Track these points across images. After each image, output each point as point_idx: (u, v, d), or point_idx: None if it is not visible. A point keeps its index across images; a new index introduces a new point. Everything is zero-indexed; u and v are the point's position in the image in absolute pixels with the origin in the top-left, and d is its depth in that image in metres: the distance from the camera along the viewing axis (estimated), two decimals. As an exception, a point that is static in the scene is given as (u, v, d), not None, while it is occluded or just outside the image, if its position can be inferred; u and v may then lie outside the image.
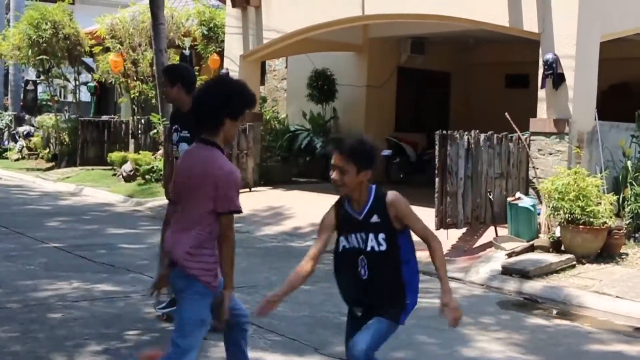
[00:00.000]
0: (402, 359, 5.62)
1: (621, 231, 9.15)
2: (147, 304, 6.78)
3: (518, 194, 9.90)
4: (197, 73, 10.66)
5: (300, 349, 5.63)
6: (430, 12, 11.69)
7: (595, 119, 10.32)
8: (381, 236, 3.81)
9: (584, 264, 8.72)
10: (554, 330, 6.64)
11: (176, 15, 19.20)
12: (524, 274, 8.21)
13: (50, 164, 20.85)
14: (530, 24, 10.38)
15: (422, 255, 9.43)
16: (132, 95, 19.17)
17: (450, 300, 3.82)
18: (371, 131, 16.13)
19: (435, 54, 16.85)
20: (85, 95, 24.91)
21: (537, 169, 10.18)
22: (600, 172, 9.77)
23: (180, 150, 6.41)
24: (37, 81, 26.68)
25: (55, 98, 23.67)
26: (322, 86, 16.41)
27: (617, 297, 7.52)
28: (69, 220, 12.05)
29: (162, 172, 15.26)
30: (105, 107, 23.61)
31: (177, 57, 18.28)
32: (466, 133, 9.77)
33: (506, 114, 10.14)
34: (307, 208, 11.23)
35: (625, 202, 9.71)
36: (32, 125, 23.57)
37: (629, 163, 10.12)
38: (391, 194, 3.82)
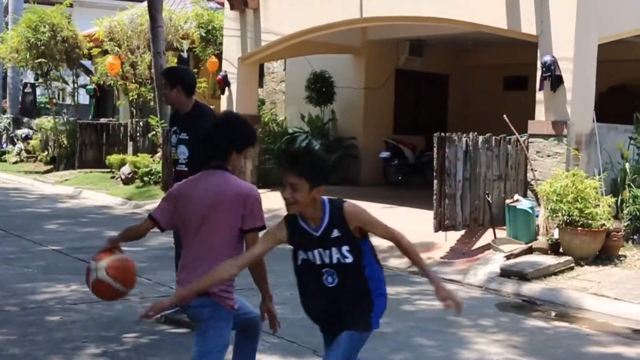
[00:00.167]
0: (400, 361, 5.61)
1: (619, 233, 9.16)
2: (146, 307, 6.76)
3: (516, 196, 9.90)
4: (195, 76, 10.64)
5: (299, 351, 5.63)
6: (429, 15, 11.69)
7: (594, 121, 10.32)
8: (345, 249, 3.63)
9: (582, 266, 8.72)
10: (552, 332, 6.64)
11: (174, 17, 19.20)
12: (523, 276, 8.22)
13: (48, 167, 20.85)
14: (528, 26, 10.39)
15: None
16: (131, 98, 19.18)
17: (447, 292, 3.72)
18: (369, 133, 16.18)
19: (433, 56, 16.87)
20: (83, 98, 24.91)
21: (536, 171, 10.18)
22: (599, 174, 9.77)
23: (179, 152, 6.41)
24: (36, 84, 26.67)
25: (54, 101, 23.67)
26: (320, 88, 16.41)
27: (615, 299, 7.53)
28: (67, 223, 12.05)
29: (160, 175, 15.27)
30: (104, 110, 23.61)
31: (175, 60, 18.30)
32: (464, 135, 9.77)
33: (504, 116, 10.14)
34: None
35: (624, 204, 9.71)
36: (31, 128, 23.57)
37: (627, 165, 10.12)
38: (348, 206, 3.64)
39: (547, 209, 9.16)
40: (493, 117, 11.64)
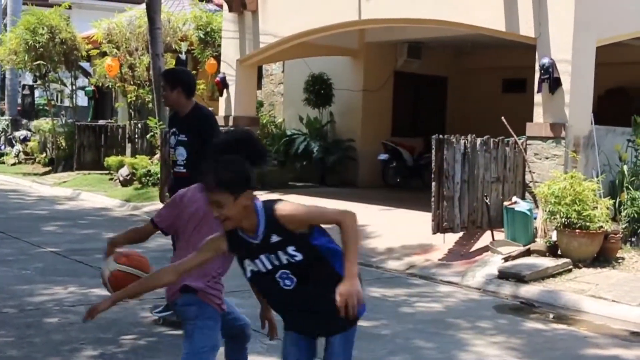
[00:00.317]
0: (398, 363, 5.61)
1: (617, 235, 9.16)
2: (144, 309, 6.77)
3: (514, 198, 9.90)
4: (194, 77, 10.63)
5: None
6: (427, 17, 11.71)
7: (592, 124, 10.33)
8: (291, 249, 3.38)
9: (580, 268, 8.73)
10: (550, 334, 6.64)
11: (173, 19, 19.21)
12: (521, 278, 8.22)
13: (47, 169, 20.85)
14: (526, 28, 10.40)
15: (418, 259, 9.41)
16: (129, 100, 19.18)
17: (349, 288, 3.25)
18: (368, 135, 16.19)
19: (431, 59, 16.89)
20: (82, 100, 24.91)
21: (534, 173, 10.19)
22: (597, 177, 9.78)
23: (178, 154, 6.42)
24: (34, 86, 26.69)
25: (52, 102, 23.66)
26: (318, 90, 16.41)
27: (613, 301, 7.53)
28: (65, 224, 12.04)
29: (159, 176, 15.27)
30: (103, 112, 23.61)
31: (174, 62, 18.31)
32: (463, 137, 9.78)
33: (502, 118, 10.15)
34: (303, 212, 11.23)
35: (622, 207, 9.71)
36: (29, 130, 23.57)
37: (625, 167, 10.13)
38: (279, 209, 3.35)
39: (545, 211, 9.17)
40: (491, 119, 11.64)
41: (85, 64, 22.45)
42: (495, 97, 17.18)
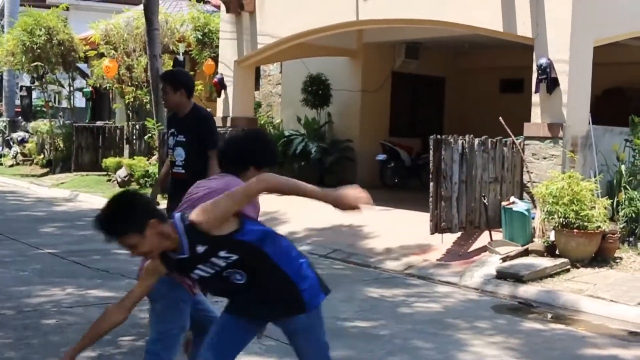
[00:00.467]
0: (397, 363, 5.61)
1: (615, 235, 9.17)
2: (142, 310, 6.75)
3: (512, 198, 9.91)
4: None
5: (295, 354, 5.60)
6: (425, 17, 11.71)
7: (589, 124, 10.34)
8: (222, 253, 3.30)
9: (578, 268, 8.73)
10: (548, 334, 6.64)
11: (170, 20, 19.22)
12: (519, 278, 8.22)
13: (44, 170, 20.83)
14: (524, 29, 10.41)
15: (416, 260, 9.40)
16: (127, 101, 19.18)
17: (347, 194, 3.30)
18: (366, 136, 16.19)
19: (429, 59, 16.89)
20: (79, 101, 24.91)
21: (532, 173, 10.20)
22: (595, 177, 9.79)
23: (176, 154, 6.42)
24: (32, 87, 26.66)
25: (50, 104, 23.65)
26: (316, 91, 16.40)
27: (611, 301, 7.53)
28: (63, 226, 12.04)
29: (157, 177, 15.26)
30: (100, 113, 23.61)
31: (172, 63, 18.31)
32: (460, 137, 9.78)
33: (500, 118, 10.16)
34: (301, 213, 11.22)
35: (620, 206, 9.72)
36: (27, 131, 23.55)
37: (622, 167, 10.14)
38: (195, 217, 3.24)
39: (543, 211, 9.17)
40: (489, 119, 11.64)
41: (82, 65, 22.44)
42: (492, 98, 17.18)
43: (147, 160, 16.56)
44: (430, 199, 9.48)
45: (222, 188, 3.72)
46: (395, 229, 10.79)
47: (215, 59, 16.54)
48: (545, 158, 10.15)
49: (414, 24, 12.57)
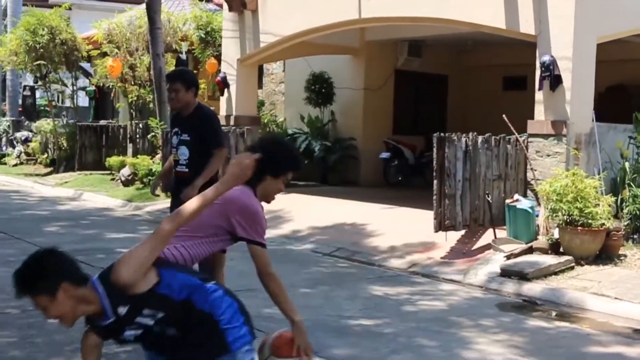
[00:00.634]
0: (401, 361, 5.61)
1: (619, 232, 9.16)
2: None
3: (516, 196, 9.90)
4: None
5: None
6: (427, 15, 11.70)
7: (593, 121, 10.32)
8: (146, 312, 3.14)
9: (582, 265, 8.72)
10: (553, 332, 6.64)
11: (173, 19, 19.21)
12: (523, 276, 8.21)
13: (48, 169, 20.85)
14: (526, 26, 10.39)
15: (420, 257, 9.38)
16: (130, 100, 19.18)
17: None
18: (369, 134, 16.19)
19: (432, 57, 16.88)
20: (83, 100, 24.92)
21: (535, 170, 10.19)
22: (599, 174, 9.77)
23: (180, 153, 6.43)
24: (35, 86, 26.68)
25: (53, 103, 23.65)
26: (319, 89, 16.41)
27: (616, 298, 7.52)
28: (67, 225, 12.04)
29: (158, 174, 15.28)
30: (103, 112, 23.62)
31: (175, 62, 18.30)
32: (464, 135, 9.78)
33: (504, 116, 10.14)
34: (305, 211, 11.24)
35: (624, 204, 9.71)
36: (30, 131, 23.57)
37: (626, 164, 10.12)
38: (116, 275, 3.05)
39: (547, 208, 9.16)
40: (492, 117, 11.64)
41: (85, 65, 22.45)
42: (495, 95, 17.17)
43: (151, 159, 16.57)
44: (434, 197, 9.48)
45: (228, 199, 3.72)
46: (398, 227, 10.79)
47: (218, 58, 16.53)
48: (549, 155, 10.13)
49: (416, 22, 12.56)
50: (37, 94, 27.86)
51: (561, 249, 8.97)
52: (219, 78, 15.25)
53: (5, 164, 22.79)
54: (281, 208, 11.94)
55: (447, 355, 5.79)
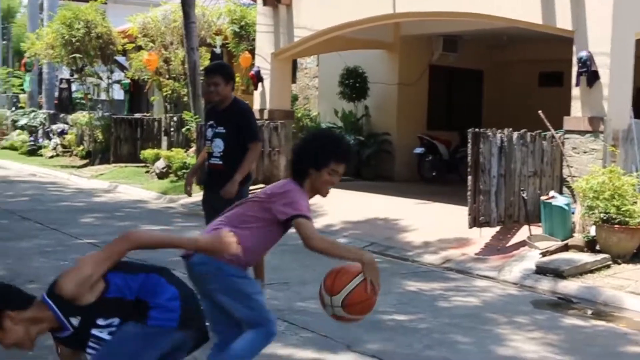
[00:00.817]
0: (435, 357, 5.58)
1: (657, 231, 9.02)
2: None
3: (552, 193, 9.81)
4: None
5: (332, 346, 5.62)
6: (463, 10, 11.61)
7: (631, 117, 10.19)
8: (100, 321, 3.21)
9: (619, 263, 8.61)
10: (589, 330, 6.56)
11: (207, 13, 19.29)
12: (558, 274, 8.13)
13: (84, 161, 21.06)
14: (563, 21, 10.28)
15: (454, 253, 9.35)
16: (165, 93, 19.31)
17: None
18: (403, 129, 16.15)
19: (467, 52, 16.76)
20: (118, 93, 25.14)
21: (572, 167, 10.08)
22: (636, 171, 9.64)
23: (214, 146, 6.46)
24: (71, 80, 26.98)
25: (89, 96, 23.92)
26: (353, 84, 16.40)
27: (653, 297, 7.42)
28: (102, 217, 12.16)
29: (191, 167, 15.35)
30: (138, 105, 23.81)
31: (209, 56, 18.38)
32: (499, 131, 9.70)
33: (540, 112, 10.05)
34: (339, 205, 11.21)
35: (662, 202, 9.57)
36: (66, 123, 23.83)
37: (665, 162, 9.99)
38: (60, 289, 3.16)
39: (584, 205, 9.06)
40: (528, 113, 11.53)
41: (120, 58, 22.64)
42: (531, 91, 17.02)
43: (185, 152, 16.66)
44: (469, 193, 9.42)
45: (270, 192, 3.93)
46: (432, 223, 10.75)
47: (252, 52, 16.57)
48: (585, 152, 10.02)
49: (452, 17, 12.48)
50: (73, 87, 28.21)
51: (597, 247, 8.86)
52: (252, 72, 15.30)
53: (41, 155, 23.06)
54: (314, 202, 11.87)
55: (481, 352, 5.75)
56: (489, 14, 11.26)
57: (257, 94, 15.32)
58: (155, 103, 21.40)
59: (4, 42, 36.26)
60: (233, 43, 18.58)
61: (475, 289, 7.95)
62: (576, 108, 10.16)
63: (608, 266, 8.50)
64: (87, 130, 21.62)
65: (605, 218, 8.69)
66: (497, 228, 9.91)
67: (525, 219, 9.90)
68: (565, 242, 9.08)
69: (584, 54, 9.86)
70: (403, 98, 16.32)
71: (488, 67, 17.91)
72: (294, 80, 17.97)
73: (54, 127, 24.24)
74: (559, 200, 9.49)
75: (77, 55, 20.23)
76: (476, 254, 9.34)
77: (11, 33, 38.46)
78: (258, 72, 15.10)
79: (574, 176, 9.93)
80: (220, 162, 6.43)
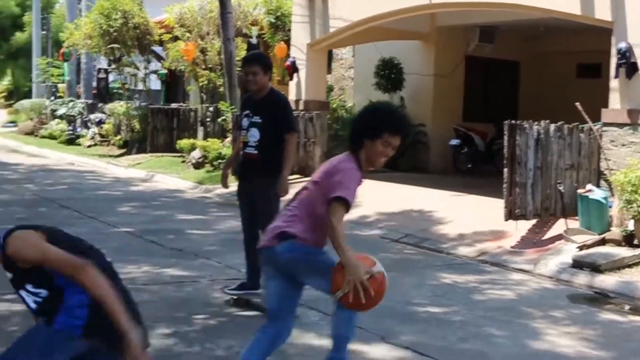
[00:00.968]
0: (470, 350, 5.56)
1: (697, 225, 8.88)
2: (215, 289, 6.88)
3: (589, 186, 9.70)
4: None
5: (367, 338, 5.62)
6: (500, 1, 11.52)
7: (671, 110, 10.03)
8: (30, 289, 3.25)
9: (657, 258, 8.50)
10: (627, 326, 6.49)
11: (243, 4, 19.36)
12: (595, 268, 8.04)
13: (121, 151, 21.28)
14: (602, 12, 10.14)
15: (489, 246, 9.28)
16: (201, 84, 19.42)
17: None
18: (439, 120, 16.07)
19: (504, 43, 16.60)
20: (154, 84, 25.34)
21: (609, 160, 9.96)
22: (676, 164, 9.49)
23: (250, 135, 6.48)
24: (108, 69, 27.25)
25: (126, 86, 24.13)
26: (389, 75, 16.33)
27: (692, 293, 7.32)
28: (139, 205, 12.28)
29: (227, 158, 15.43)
30: (175, 95, 23.97)
31: (245, 46, 18.45)
32: (536, 123, 9.61)
33: (577, 104, 9.93)
34: (373, 196, 11.19)
35: (702, 196, 9.41)
36: (104, 113, 24.09)
37: None
38: (5, 243, 3.16)
39: (622, 199, 8.93)
40: (565, 105, 11.40)
41: (157, 48, 22.81)
42: (569, 82, 16.81)
43: (221, 142, 16.75)
44: (505, 185, 9.35)
45: (327, 170, 4.07)
46: (468, 215, 10.69)
47: (288, 43, 16.59)
48: (624, 145, 9.89)
49: (488, 7, 12.38)
50: (111, 77, 28.46)
51: (635, 241, 8.75)
52: (288, 63, 15.32)
53: (80, 144, 23.34)
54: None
55: (516, 346, 5.73)
56: (526, 4, 11.15)
57: (292, 85, 15.34)
58: (192, 93, 21.53)
59: (44, 32, 36.62)
60: (269, 33, 18.62)
61: (510, 282, 7.90)
62: (614, 100, 10.03)
63: (646, 261, 8.40)
64: (124, 120, 21.83)
65: (643, 212, 8.57)
66: (533, 221, 9.82)
67: (561, 212, 9.81)
68: (602, 236, 8.98)
69: (623, 45, 9.73)
70: (438, 89, 16.22)
71: (525, 58, 17.72)
72: (329, 71, 17.97)
73: (92, 116, 24.52)
74: (597, 194, 9.39)
75: (115, 45, 20.43)
76: (512, 247, 9.27)
77: (50, 23, 38.88)
78: (294, 63, 15.11)
79: (611, 169, 9.81)
80: (256, 152, 6.45)
